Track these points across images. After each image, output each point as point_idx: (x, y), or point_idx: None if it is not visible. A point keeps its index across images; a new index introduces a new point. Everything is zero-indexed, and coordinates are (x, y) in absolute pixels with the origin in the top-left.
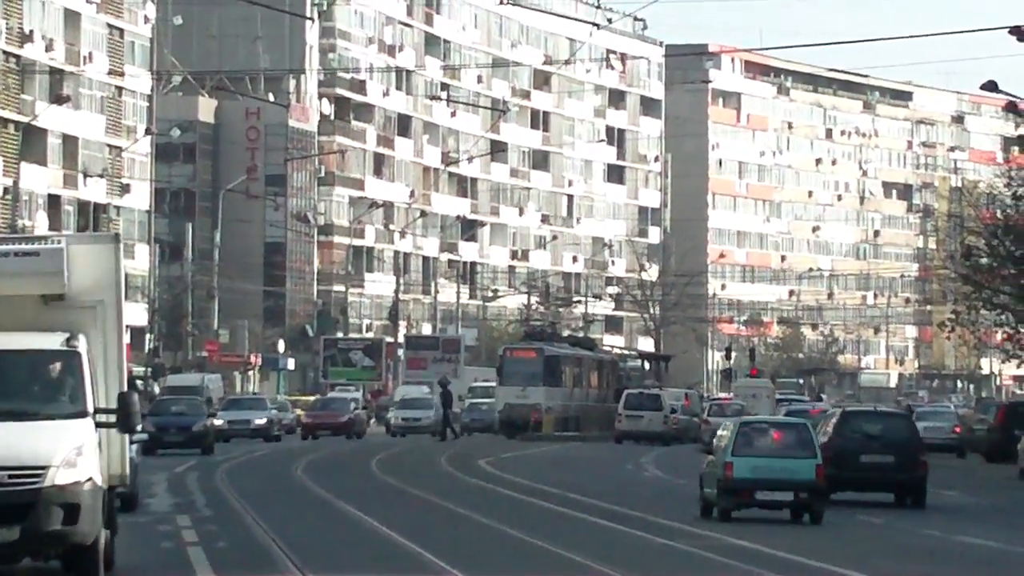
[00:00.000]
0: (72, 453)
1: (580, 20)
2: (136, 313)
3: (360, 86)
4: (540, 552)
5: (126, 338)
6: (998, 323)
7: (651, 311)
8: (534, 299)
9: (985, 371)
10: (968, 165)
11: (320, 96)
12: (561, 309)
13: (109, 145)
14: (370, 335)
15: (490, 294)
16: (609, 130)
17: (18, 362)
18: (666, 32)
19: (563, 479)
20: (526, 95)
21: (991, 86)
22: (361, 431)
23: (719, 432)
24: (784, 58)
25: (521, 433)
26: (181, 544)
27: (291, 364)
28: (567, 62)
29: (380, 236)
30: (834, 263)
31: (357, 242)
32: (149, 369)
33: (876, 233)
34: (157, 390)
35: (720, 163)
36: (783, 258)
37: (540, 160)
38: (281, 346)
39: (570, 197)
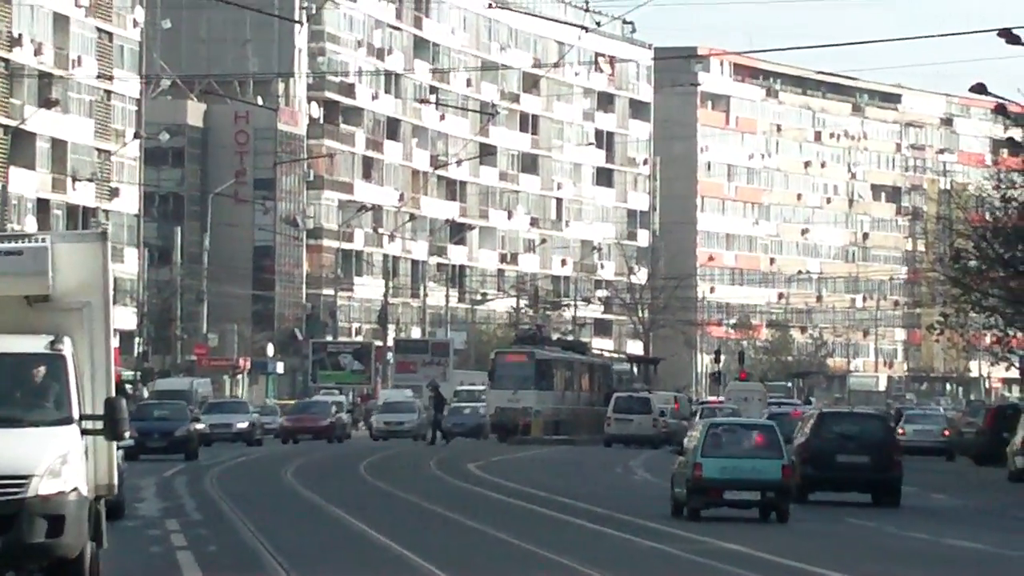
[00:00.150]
0: (56, 462)
1: (569, 23)
2: (125, 317)
3: (349, 89)
4: (528, 555)
5: (114, 341)
6: (987, 326)
7: (640, 314)
8: (523, 302)
9: (974, 374)
10: (957, 167)
11: (309, 99)
12: (550, 313)
13: (98, 149)
14: (359, 339)
15: (479, 297)
16: (598, 133)
17: None
18: (655, 35)
19: (552, 483)
20: (515, 98)
21: (980, 88)
22: (343, 435)
23: (689, 433)
24: (773, 61)
25: (511, 437)
26: (170, 549)
27: (280, 368)
28: (556, 65)
29: (369, 239)
30: (823, 266)
31: (346, 246)
32: (138, 373)
33: (865, 236)
34: (146, 394)
35: (709, 166)
36: (772, 261)
37: (529, 163)
38: (270, 350)
39: (559, 200)
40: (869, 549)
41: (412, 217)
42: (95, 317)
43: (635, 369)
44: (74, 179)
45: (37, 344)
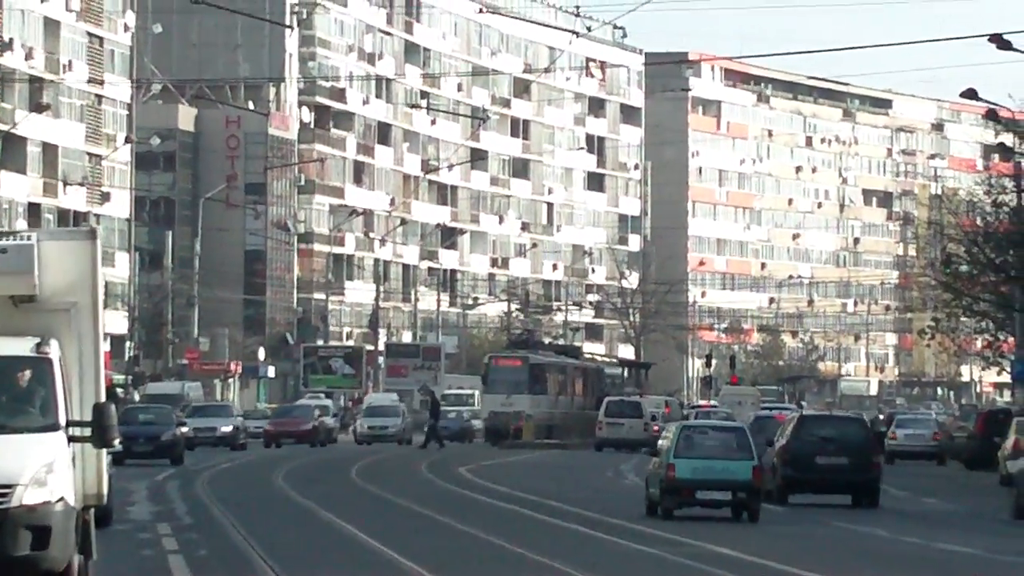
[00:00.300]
0: (42, 470)
1: (560, 28)
2: (116, 321)
3: (340, 94)
4: (517, 558)
5: (105, 345)
6: (978, 330)
7: (631, 319)
8: (514, 307)
9: (965, 378)
10: (948, 173)
11: (300, 104)
12: (541, 317)
13: (89, 153)
14: (350, 343)
15: (470, 302)
16: (589, 138)
17: None
18: (646, 40)
19: (543, 487)
20: (506, 103)
21: (971, 94)
22: (327, 439)
23: (663, 434)
24: (764, 66)
25: (502, 441)
26: (161, 553)
27: (271, 372)
28: (547, 70)
29: (360, 244)
30: (814, 271)
31: (337, 250)
32: (129, 377)
33: (856, 241)
34: (137, 398)
35: (700, 171)
36: (763, 266)
37: (520, 168)
38: (261, 354)
39: (550, 205)
40: (861, 553)
41: (403, 222)
42: (84, 318)
43: (626, 373)
44: (65, 183)
45: (22, 346)
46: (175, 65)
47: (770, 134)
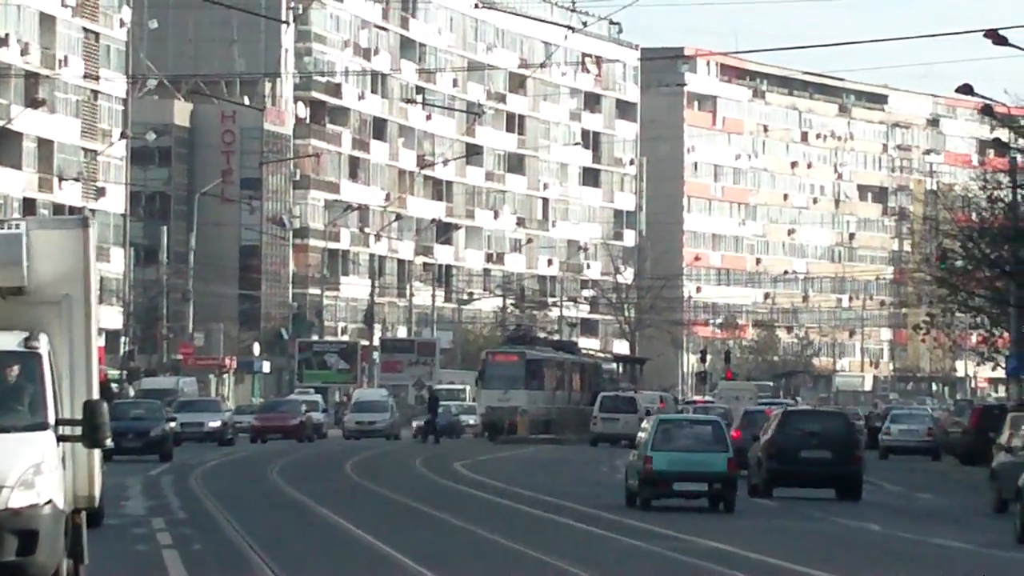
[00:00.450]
0: (29, 471)
1: (555, 23)
2: (111, 316)
3: (335, 89)
4: (513, 553)
5: (100, 340)
6: (973, 326)
7: (626, 314)
8: (509, 302)
9: (960, 374)
10: (944, 168)
11: (295, 99)
12: (536, 312)
13: (84, 149)
14: (345, 338)
15: (465, 297)
16: (584, 133)
17: None
18: (641, 35)
19: (538, 482)
20: (501, 98)
21: (966, 89)
22: (314, 434)
23: (641, 428)
24: (760, 61)
25: (498, 436)
26: (155, 547)
27: (266, 367)
28: (542, 65)
29: (355, 239)
30: (809, 266)
31: (332, 245)
32: (124, 372)
33: (851, 236)
34: (132, 393)
35: (696, 166)
36: (758, 261)
37: (515, 163)
38: (256, 349)
39: (545, 200)
40: (855, 548)
41: (398, 217)
42: (75, 312)
43: (621, 369)
44: (60, 179)
45: (10, 341)
46: (171, 60)
47: (765, 129)
